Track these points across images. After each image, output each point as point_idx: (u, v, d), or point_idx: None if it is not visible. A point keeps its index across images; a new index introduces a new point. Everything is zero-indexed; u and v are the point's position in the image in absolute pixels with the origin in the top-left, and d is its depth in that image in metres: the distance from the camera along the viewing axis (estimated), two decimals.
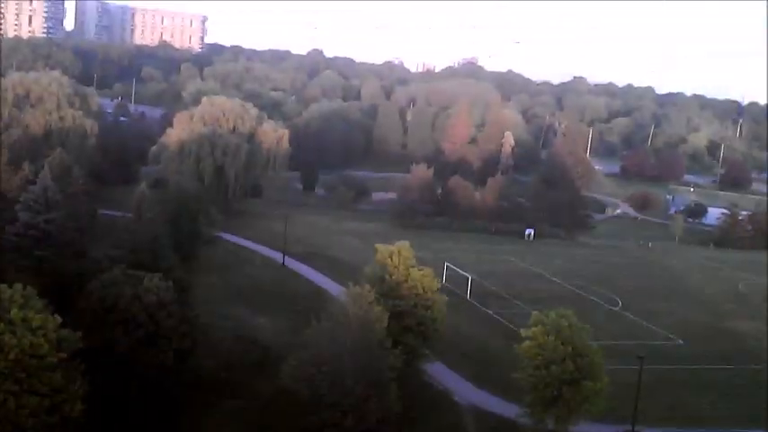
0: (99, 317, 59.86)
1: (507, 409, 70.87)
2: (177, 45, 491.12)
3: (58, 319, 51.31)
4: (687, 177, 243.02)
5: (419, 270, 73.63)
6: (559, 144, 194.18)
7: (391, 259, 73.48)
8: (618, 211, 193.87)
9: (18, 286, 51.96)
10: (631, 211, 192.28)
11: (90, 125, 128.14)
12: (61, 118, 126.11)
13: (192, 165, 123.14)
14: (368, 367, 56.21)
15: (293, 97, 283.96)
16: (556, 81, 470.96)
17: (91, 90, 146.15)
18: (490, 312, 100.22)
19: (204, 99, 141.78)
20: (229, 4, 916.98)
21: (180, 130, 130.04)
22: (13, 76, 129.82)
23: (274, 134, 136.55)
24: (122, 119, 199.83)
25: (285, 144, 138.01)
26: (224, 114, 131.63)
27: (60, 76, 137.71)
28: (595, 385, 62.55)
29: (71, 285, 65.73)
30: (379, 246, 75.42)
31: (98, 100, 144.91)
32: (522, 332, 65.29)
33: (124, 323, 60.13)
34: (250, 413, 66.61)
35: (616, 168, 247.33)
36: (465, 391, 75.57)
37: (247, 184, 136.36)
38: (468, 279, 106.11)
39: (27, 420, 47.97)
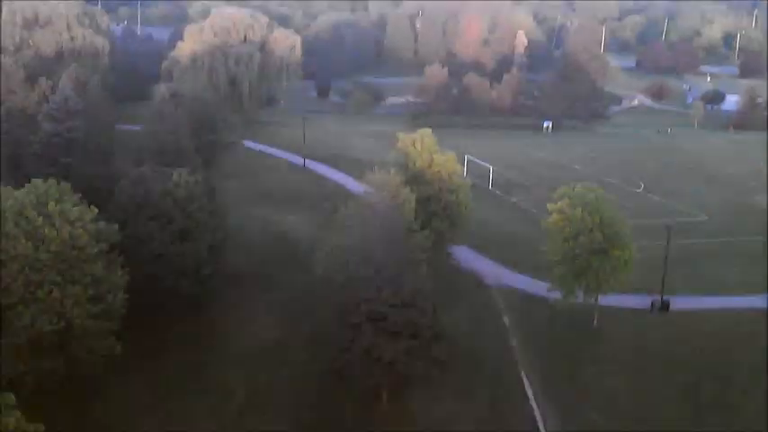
0: (131, 214, 60.74)
1: (535, 287, 72.23)
2: None
3: (95, 210, 52.23)
4: (703, 69, 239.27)
5: (442, 155, 73.91)
6: (573, 41, 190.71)
7: (414, 146, 73.74)
8: (635, 102, 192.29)
9: (52, 181, 52.78)
10: (648, 102, 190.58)
11: (101, 43, 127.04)
12: (72, 38, 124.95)
13: (205, 77, 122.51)
14: (398, 247, 56.99)
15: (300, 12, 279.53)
16: None
17: (100, 9, 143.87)
18: (513, 200, 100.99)
19: (213, 10, 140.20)
20: None
21: (191, 43, 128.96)
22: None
23: (286, 41, 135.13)
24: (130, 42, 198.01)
25: (298, 51, 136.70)
26: (234, 24, 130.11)
27: None
28: (624, 254, 63.41)
29: (100, 188, 66.31)
30: (400, 134, 75.67)
31: (107, 19, 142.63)
32: (549, 207, 65.86)
33: (156, 218, 61.03)
34: (285, 304, 68.13)
35: (632, 63, 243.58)
36: (493, 272, 76.63)
37: (262, 94, 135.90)
38: (489, 170, 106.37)
39: (72, 310, 49.18)
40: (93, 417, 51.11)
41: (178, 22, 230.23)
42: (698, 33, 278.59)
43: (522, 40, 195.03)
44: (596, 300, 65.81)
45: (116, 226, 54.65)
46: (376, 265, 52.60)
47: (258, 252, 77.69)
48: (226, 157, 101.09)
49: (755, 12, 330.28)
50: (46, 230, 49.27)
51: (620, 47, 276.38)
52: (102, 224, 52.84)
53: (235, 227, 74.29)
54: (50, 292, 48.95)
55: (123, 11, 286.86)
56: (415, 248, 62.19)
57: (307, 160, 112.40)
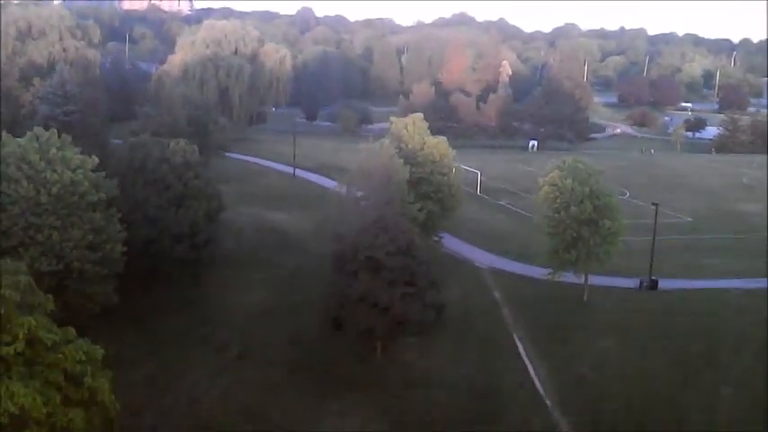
0: (128, 179, 61.41)
1: (525, 270, 73.37)
2: (166, 9, 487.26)
3: (96, 159, 52.86)
4: (684, 105, 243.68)
5: (434, 138, 75.29)
6: (557, 68, 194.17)
7: (406, 129, 75.11)
8: (617, 130, 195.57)
9: (53, 130, 53.51)
10: (630, 131, 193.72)
11: (93, 55, 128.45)
12: (64, 49, 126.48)
13: (196, 86, 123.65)
14: (394, 203, 58.07)
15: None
16: (547, 30, 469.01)
17: (93, 23, 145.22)
18: (501, 203, 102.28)
19: (205, 22, 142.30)
20: None
21: (182, 54, 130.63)
22: (14, 10, 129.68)
23: (276, 54, 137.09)
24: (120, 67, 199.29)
25: (288, 64, 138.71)
26: (225, 36, 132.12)
27: (61, 7, 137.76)
28: (613, 224, 64.63)
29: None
30: (393, 117, 77.16)
31: (99, 33, 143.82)
32: (540, 181, 67.25)
33: (153, 184, 61.79)
34: (279, 279, 68.86)
35: (613, 99, 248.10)
36: (483, 258, 77.62)
37: (252, 109, 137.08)
38: (477, 175, 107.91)
39: (71, 252, 49.64)
40: None
41: (165, 55, 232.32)
42: (678, 70, 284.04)
43: (506, 70, 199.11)
44: (586, 277, 66.76)
45: (115, 180, 55.34)
46: (374, 216, 53.47)
47: (251, 240, 78.54)
48: (214, 162, 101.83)
49: (734, 54, 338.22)
50: (47, 174, 49.92)
51: (603, 86, 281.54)
52: (101, 175, 53.46)
53: (226, 221, 75.10)
54: (50, 236, 49.49)
55: (111, 46, 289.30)
56: (410, 220, 63.09)
57: (297, 170, 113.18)
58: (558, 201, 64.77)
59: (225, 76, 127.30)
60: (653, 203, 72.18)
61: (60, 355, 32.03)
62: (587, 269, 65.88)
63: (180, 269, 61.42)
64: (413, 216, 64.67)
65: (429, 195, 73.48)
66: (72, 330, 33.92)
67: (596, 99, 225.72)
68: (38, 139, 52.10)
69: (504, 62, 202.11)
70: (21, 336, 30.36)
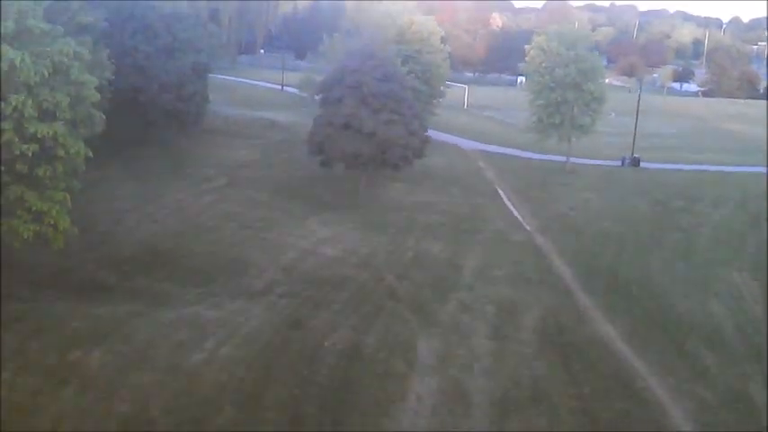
0: (116, 26, 61.14)
1: (509, 151, 74.35)
2: None
3: None
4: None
5: (423, 16, 75.72)
6: (545, 19, 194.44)
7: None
8: (606, 80, 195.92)
9: None
10: (618, 82, 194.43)
11: None
12: None
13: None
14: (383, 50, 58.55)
15: None
16: (539, 5, 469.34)
17: None
18: (487, 114, 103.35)
19: None
20: None
21: None
22: None
23: None
24: None
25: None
26: None
27: None
28: (597, 88, 65.83)
29: None
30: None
31: None
32: (527, 47, 68.05)
33: (142, 32, 61.71)
34: (265, 147, 69.15)
35: (603, 61, 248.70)
36: (469, 144, 78.11)
37: (240, 36, 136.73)
38: (464, 90, 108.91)
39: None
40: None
41: None
42: (667, 37, 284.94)
43: (496, 22, 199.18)
44: (569, 144, 67.47)
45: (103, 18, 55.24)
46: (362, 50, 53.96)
47: (239, 120, 78.87)
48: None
49: (724, 27, 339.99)
50: None
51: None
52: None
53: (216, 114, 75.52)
54: None
55: None
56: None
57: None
58: (544, 65, 65.50)
59: None
60: (637, 80, 72.81)
61: None
62: (570, 134, 66.58)
63: (166, 119, 61.53)
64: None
65: (416, 73, 73.60)
66: None
67: None
68: None
69: (495, 15, 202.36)
70: None
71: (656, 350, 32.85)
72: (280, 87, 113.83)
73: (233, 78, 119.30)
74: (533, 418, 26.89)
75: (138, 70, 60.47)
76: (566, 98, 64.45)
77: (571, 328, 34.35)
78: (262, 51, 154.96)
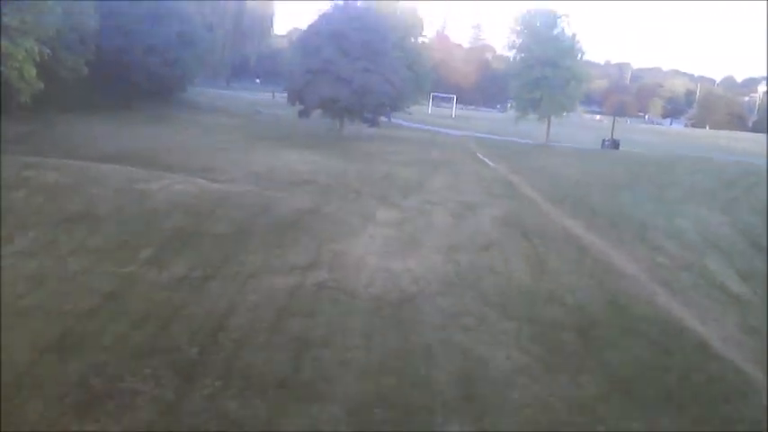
0: None
1: (493, 137, 75.25)
2: None
3: None
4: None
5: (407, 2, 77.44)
6: None
7: None
8: (597, 117, 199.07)
9: None
10: (608, 119, 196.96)
11: None
12: None
13: None
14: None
15: None
16: None
17: None
18: (474, 122, 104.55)
19: None
20: None
21: None
22: None
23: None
24: None
25: (272, 9, 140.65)
26: None
27: None
28: (574, 65, 66.85)
29: None
30: None
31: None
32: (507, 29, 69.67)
33: None
34: (252, 123, 70.07)
35: (596, 108, 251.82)
36: (454, 132, 79.21)
37: (235, 53, 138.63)
38: (453, 99, 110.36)
39: None
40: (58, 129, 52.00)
41: None
42: (660, 86, 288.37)
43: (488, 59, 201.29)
44: (549, 122, 68.50)
45: None
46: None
47: (229, 101, 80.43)
48: None
49: (717, 84, 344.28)
50: None
51: (586, 102, 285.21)
52: None
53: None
54: None
55: None
56: None
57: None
58: (522, 43, 66.85)
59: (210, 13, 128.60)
60: (618, 67, 73.99)
61: None
62: (550, 111, 67.57)
63: (150, 81, 62.63)
64: None
65: (402, 61, 74.91)
66: None
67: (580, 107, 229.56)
68: None
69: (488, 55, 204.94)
70: None
71: (614, 236, 33.30)
72: (271, 96, 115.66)
73: (226, 91, 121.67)
74: (482, 258, 27.26)
75: (124, 34, 61.85)
76: (545, 74, 65.60)
77: (532, 216, 34.83)
78: (257, 81, 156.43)
